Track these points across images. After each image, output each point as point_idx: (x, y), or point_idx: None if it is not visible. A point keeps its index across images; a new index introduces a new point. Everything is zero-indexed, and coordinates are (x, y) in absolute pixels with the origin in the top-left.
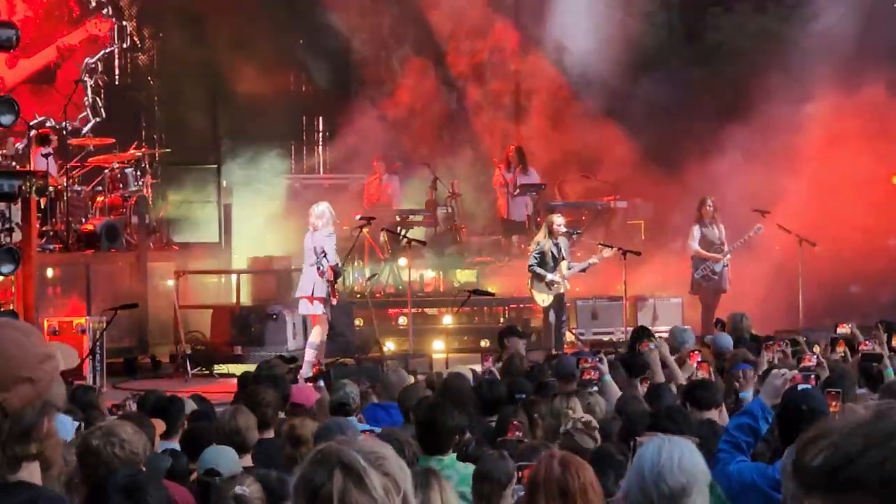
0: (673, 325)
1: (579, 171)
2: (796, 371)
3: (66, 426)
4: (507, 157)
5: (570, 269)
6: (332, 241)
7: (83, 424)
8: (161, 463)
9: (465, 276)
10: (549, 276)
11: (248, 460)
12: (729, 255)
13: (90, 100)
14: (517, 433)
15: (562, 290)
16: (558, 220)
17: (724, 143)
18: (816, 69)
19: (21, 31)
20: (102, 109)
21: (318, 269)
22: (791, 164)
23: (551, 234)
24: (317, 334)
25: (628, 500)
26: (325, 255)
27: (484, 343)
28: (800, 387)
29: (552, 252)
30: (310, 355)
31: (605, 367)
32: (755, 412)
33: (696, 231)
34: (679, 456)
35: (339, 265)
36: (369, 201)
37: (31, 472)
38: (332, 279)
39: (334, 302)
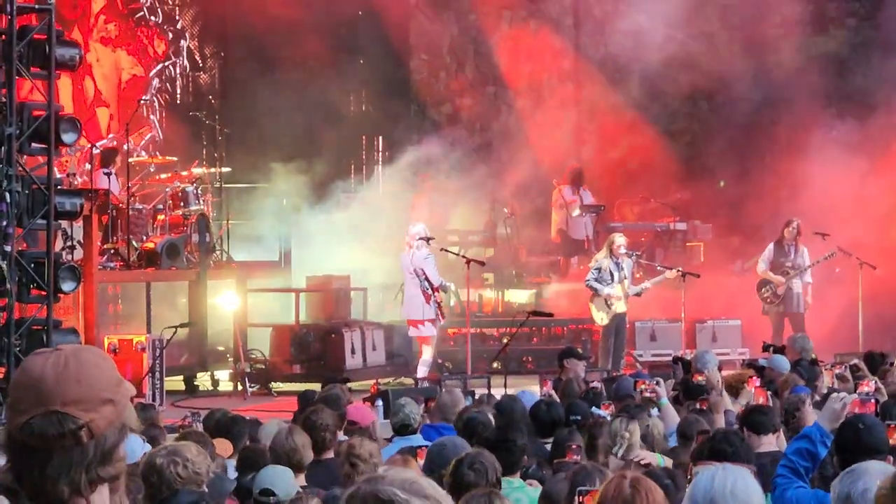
0: (732, 347)
1: (638, 193)
2: (856, 395)
3: (135, 447)
4: (567, 177)
5: (631, 288)
6: (432, 262)
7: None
8: (225, 485)
9: (523, 297)
10: (606, 291)
11: (301, 480)
12: (798, 279)
13: (157, 118)
14: (575, 456)
15: (621, 310)
16: (619, 241)
17: (785, 167)
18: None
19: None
20: (160, 129)
21: (424, 291)
22: (851, 188)
23: (612, 253)
24: (428, 353)
25: None
26: (426, 279)
27: (543, 364)
28: (857, 410)
29: (610, 270)
30: (422, 373)
31: (662, 390)
32: (814, 437)
33: (767, 252)
34: (732, 483)
35: (444, 282)
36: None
37: (103, 497)
38: (439, 301)
39: (442, 321)
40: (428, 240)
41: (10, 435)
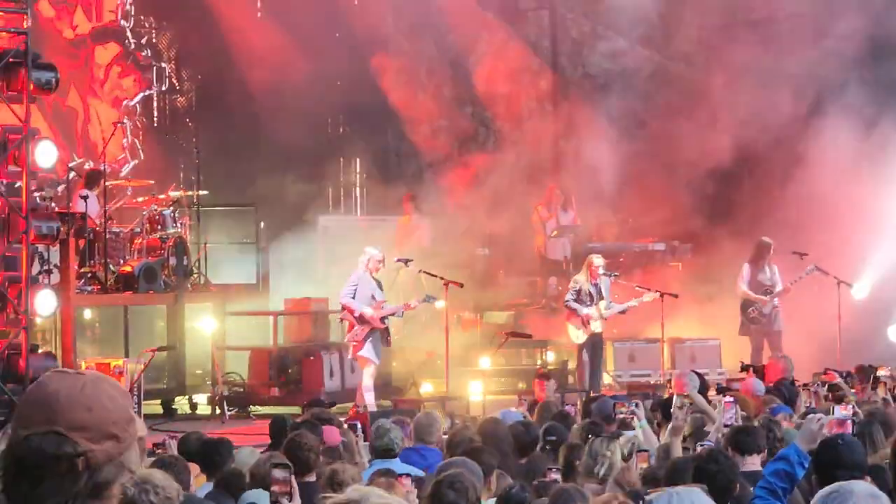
0: (711, 367)
1: (617, 213)
2: (832, 416)
3: None
4: (547, 197)
5: (608, 308)
6: (351, 279)
7: None
8: None
9: (502, 318)
10: (584, 310)
11: None
12: (777, 297)
13: (129, 141)
14: (554, 476)
15: (597, 330)
16: (598, 261)
17: (766, 184)
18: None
19: None
20: (141, 151)
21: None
22: (827, 206)
23: (590, 274)
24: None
25: None
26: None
27: (521, 385)
28: (835, 430)
29: (589, 291)
30: (369, 398)
31: (641, 412)
32: (791, 458)
33: (745, 272)
34: None
35: (345, 300)
36: (399, 242)
37: None
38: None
39: (346, 339)
40: (406, 262)
41: (9, 446)
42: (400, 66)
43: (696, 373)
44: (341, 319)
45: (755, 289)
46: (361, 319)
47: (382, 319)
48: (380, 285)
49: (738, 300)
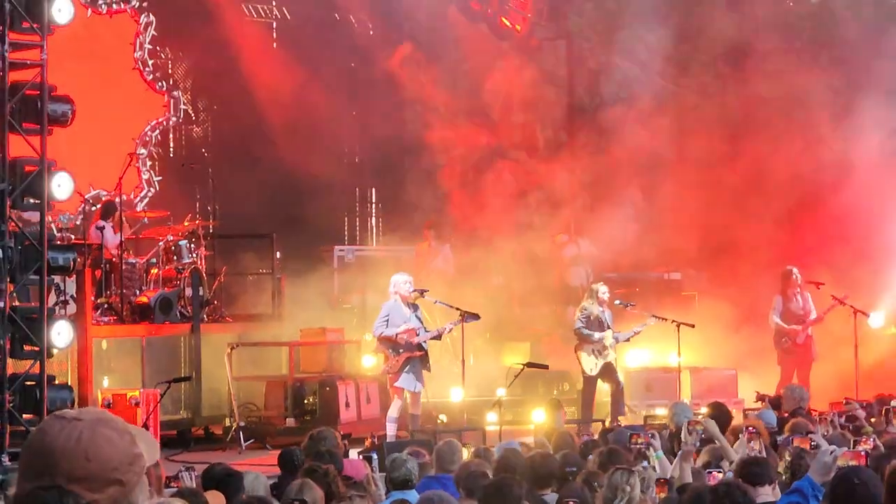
0: (728, 396)
1: (634, 241)
2: (846, 448)
3: None
4: (562, 227)
5: (615, 337)
6: (382, 311)
7: None
8: None
9: (519, 348)
10: (597, 336)
11: None
12: (810, 326)
13: (146, 172)
14: None
15: (609, 359)
16: (602, 289)
17: (782, 211)
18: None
19: None
20: (157, 182)
21: None
22: (840, 230)
23: (598, 302)
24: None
25: None
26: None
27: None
28: (850, 463)
29: (599, 318)
30: (389, 430)
31: (657, 443)
32: (805, 490)
33: (777, 303)
34: None
35: (377, 333)
36: (418, 269)
37: None
38: (380, 350)
39: (382, 371)
40: (422, 292)
41: (15, 498)
42: (415, 95)
43: (719, 403)
44: (376, 351)
45: (788, 319)
46: (397, 350)
47: (419, 346)
48: (415, 311)
49: (772, 332)
